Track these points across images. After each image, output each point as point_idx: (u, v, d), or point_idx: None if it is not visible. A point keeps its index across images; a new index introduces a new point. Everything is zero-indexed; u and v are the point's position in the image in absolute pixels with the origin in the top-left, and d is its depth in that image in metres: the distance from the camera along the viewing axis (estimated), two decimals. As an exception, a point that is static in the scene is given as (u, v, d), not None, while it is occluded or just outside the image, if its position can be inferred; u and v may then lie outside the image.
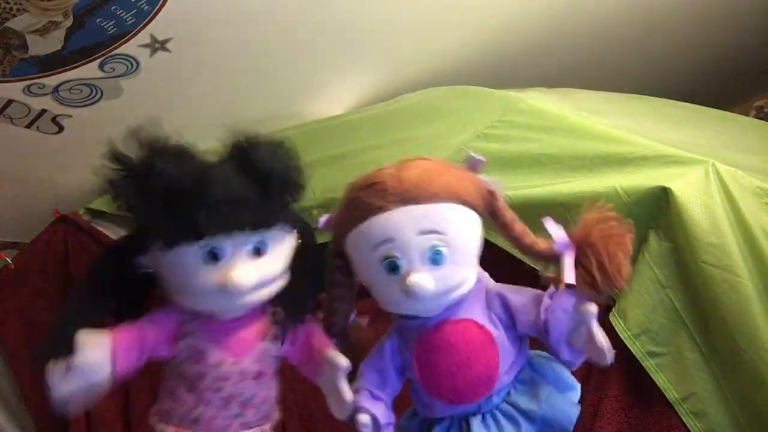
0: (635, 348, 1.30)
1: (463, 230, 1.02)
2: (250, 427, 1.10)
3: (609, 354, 0.99)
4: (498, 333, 1.04)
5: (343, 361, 1.06)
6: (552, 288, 1.05)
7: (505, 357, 1.04)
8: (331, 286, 1.11)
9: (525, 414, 1.04)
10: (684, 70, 2.89)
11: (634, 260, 1.36)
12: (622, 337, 1.32)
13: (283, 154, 1.06)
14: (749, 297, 1.26)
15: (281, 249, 1.07)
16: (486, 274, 1.13)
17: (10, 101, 1.89)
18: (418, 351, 1.05)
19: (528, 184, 1.51)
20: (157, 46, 1.84)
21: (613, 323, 1.33)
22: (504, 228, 1.08)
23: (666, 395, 1.30)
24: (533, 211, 1.47)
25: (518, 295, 1.07)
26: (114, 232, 2.06)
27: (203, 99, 2.11)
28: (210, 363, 1.06)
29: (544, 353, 1.11)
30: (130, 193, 1.00)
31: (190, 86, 2.05)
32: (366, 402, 1.06)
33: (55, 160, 2.18)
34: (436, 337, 1.04)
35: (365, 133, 1.94)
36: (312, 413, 1.73)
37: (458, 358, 1.03)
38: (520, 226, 1.08)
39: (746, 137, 1.98)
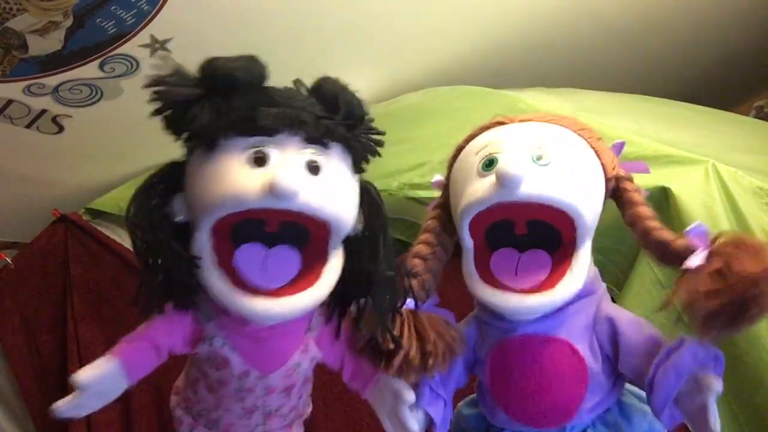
0: (635, 348, 1.30)
1: (575, 157, 0.87)
2: None
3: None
4: (594, 365, 0.88)
5: (410, 395, 0.92)
6: (676, 341, 0.87)
7: (594, 392, 0.89)
8: (422, 232, 0.99)
9: None
10: (684, 70, 2.89)
11: (634, 261, 1.36)
12: (622, 337, 1.32)
13: (349, 91, 0.96)
14: (749, 297, 1.26)
15: (340, 176, 0.89)
16: (603, 288, 0.96)
17: (10, 101, 1.89)
18: (496, 357, 0.91)
19: (528, 184, 1.51)
20: (157, 46, 1.84)
21: (613, 323, 1.33)
22: (630, 211, 0.91)
23: (666, 395, 1.29)
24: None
25: (632, 331, 0.90)
26: (114, 232, 2.06)
27: (203, 99, 2.11)
28: (233, 373, 0.93)
29: (640, 393, 0.94)
30: (177, 84, 0.85)
31: (190, 86, 2.05)
32: (424, 400, 0.92)
33: (55, 160, 2.18)
34: (520, 351, 0.89)
35: (365, 133, 1.94)
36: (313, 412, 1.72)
37: (539, 381, 0.88)
38: (648, 212, 0.90)
39: (746, 137, 1.98)
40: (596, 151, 0.91)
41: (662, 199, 1.34)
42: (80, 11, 1.66)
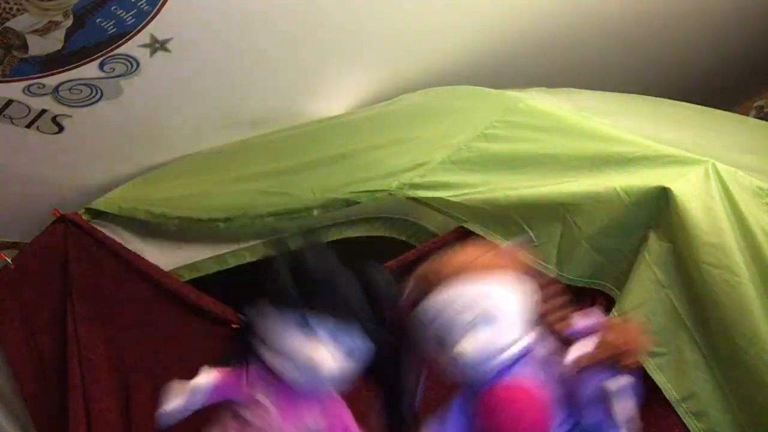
0: (635, 348, 1.31)
1: (502, 301, 1.15)
2: None
3: (622, 427, 1.10)
4: (548, 394, 1.14)
5: None
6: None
7: (558, 413, 1.14)
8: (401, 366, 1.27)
9: None
10: (684, 70, 2.89)
11: (634, 261, 1.36)
12: (622, 337, 1.32)
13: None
14: (749, 297, 1.26)
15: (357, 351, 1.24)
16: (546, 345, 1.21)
17: (10, 101, 1.89)
18: (478, 408, 1.16)
19: (528, 184, 1.51)
20: (157, 46, 1.84)
21: (613, 323, 1.33)
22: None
23: (666, 395, 1.30)
24: (533, 211, 1.48)
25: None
26: (114, 232, 2.06)
27: (203, 99, 2.11)
28: (264, 417, 1.23)
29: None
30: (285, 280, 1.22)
31: (190, 86, 2.05)
32: None
33: (55, 160, 2.18)
34: (493, 396, 1.15)
35: (365, 133, 1.94)
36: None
37: (511, 415, 1.13)
38: (552, 317, 1.19)
39: (746, 137, 1.98)
40: (508, 275, 1.18)
41: (662, 199, 1.34)
42: (80, 11, 1.66)
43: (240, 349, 1.30)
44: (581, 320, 1.18)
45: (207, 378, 1.22)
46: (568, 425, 1.15)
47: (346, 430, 1.32)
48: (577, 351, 1.13)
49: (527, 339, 1.18)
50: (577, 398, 1.12)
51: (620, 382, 1.07)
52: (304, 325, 1.20)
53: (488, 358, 1.14)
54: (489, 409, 1.15)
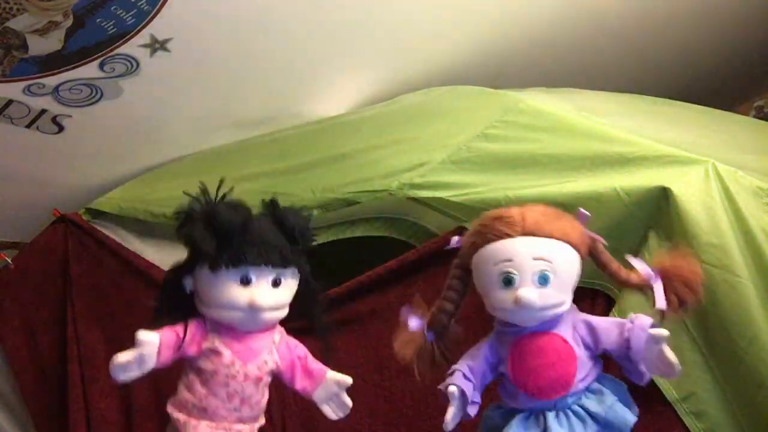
0: (635, 348, 1.30)
1: (566, 264, 1.23)
2: (243, 422, 1.35)
3: (677, 369, 1.17)
4: (578, 349, 1.25)
5: (349, 379, 1.37)
6: (632, 315, 1.23)
7: (581, 368, 1.24)
8: (447, 289, 1.33)
9: (592, 415, 1.23)
10: (684, 70, 2.89)
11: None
12: (622, 337, 1.32)
13: (302, 216, 1.39)
14: (749, 297, 1.26)
15: (291, 284, 1.37)
16: (575, 307, 1.31)
17: (10, 101, 1.89)
18: (514, 349, 1.27)
19: (528, 184, 1.51)
20: (157, 46, 1.84)
21: (613, 323, 1.33)
22: (603, 266, 1.28)
23: (666, 395, 1.30)
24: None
25: (603, 321, 1.28)
26: (114, 232, 2.07)
27: (203, 99, 2.11)
28: (223, 362, 1.33)
29: (614, 379, 1.29)
30: (197, 229, 1.32)
31: (190, 86, 2.05)
32: (458, 380, 1.27)
33: (55, 160, 2.18)
34: (530, 342, 1.26)
35: (365, 133, 1.94)
36: (312, 413, 1.73)
37: (545, 360, 1.24)
38: (615, 264, 1.27)
39: (746, 137, 1.98)
40: (575, 247, 1.25)
41: (662, 199, 1.34)
42: (80, 11, 1.66)
43: (174, 308, 1.38)
44: (640, 265, 1.25)
45: (153, 333, 1.29)
46: (590, 379, 1.25)
47: (302, 361, 1.41)
48: (660, 292, 1.21)
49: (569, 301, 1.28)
50: (632, 352, 1.20)
51: (663, 331, 1.16)
52: (245, 281, 1.31)
53: (543, 309, 1.23)
54: (523, 354, 1.25)
